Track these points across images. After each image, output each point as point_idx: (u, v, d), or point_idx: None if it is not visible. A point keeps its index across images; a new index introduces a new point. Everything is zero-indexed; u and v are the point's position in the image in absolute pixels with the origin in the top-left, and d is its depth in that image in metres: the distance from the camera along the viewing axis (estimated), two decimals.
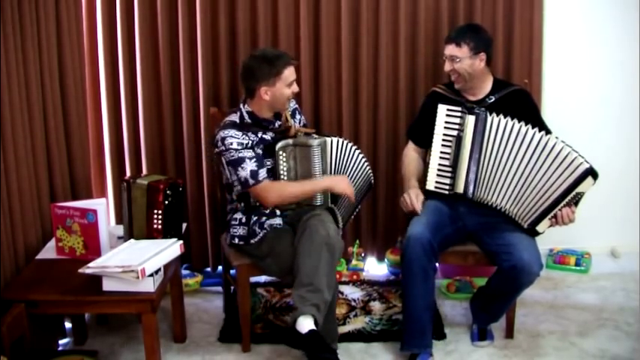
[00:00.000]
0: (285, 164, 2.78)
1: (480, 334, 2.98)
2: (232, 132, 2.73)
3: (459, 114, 2.83)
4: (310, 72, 3.39)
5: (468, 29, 2.95)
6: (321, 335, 2.49)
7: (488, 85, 2.94)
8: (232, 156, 2.71)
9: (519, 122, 2.74)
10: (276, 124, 2.85)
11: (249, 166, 2.71)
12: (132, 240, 2.71)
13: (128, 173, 3.42)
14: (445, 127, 2.86)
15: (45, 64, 2.81)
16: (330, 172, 2.85)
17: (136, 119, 3.37)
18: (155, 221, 2.76)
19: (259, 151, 2.77)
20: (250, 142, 2.74)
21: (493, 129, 2.77)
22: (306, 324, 2.48)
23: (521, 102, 2.92)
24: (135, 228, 2.80)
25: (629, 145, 3.68)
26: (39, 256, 2.73)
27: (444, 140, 2.87)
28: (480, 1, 3.37)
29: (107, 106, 3.36)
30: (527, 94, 3.02)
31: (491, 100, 2.89)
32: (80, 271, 2.43)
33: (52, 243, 2.79)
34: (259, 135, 2.79)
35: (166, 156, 3.42)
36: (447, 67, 2.91)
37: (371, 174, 3.06)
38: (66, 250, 2.73)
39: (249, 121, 2.80)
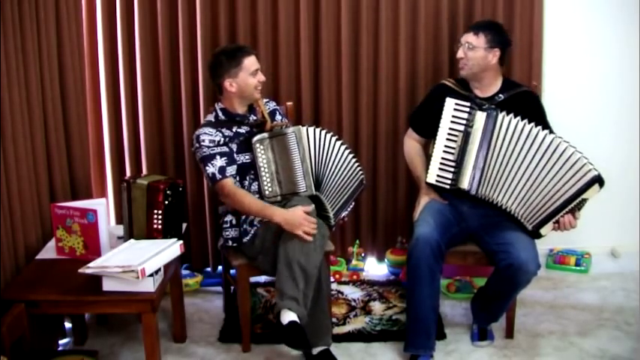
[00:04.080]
0: (263, 156, 2.82)
1: (480, 334, 2.98)
2: (206, 129, 2.81)
3: (467, 109, 2.82)
4: (310, 72, 3.39)
5: (490, 24, 2.98)
6: (302, 327, 2.54)
7: (497, 84, 2.95)
8: (204, 152, 2.78)
9: (529, 123, 2.73)
10: (251, 119, 2.90)
11: (219, 162, 2.78)
12: (132, 240, 2.71)
13: (128, 173, 3.42)
14: (452, 122, 2.84)
15: (45, 64, 2.81)
16: (311, 162, 2.85)
17: (136, 119, 3.38)
18: (155, 221, 2.76)
19: (234, 146, 2.82)
20: (223, 139, 2.80)
21: (503, 127, 2.76)
22: (287, 316, 2.55)
23: (529, 103, 2.91)
24: (135, 228, 2.81)
25: (629, 145, 3.68)
26: (39, 256, 2.73)
27: (449, 134, 2.85)
28: (480, 1, 3.37)
29: (107, 106, 3.36)
30: (536, 96, 3.02)
31: (501, 99, 2.89)
32: (80, 271, 2.43)
33: (52, 243, 2.79)
34: (234, 130, 2.85)
35: (166, 156, 3.43)
36: (460, 53, 2.92)
37: (359, 168, 2.94)
38: (66, 250, 2.73)
39: (223, 117, 2.87)
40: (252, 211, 2.76)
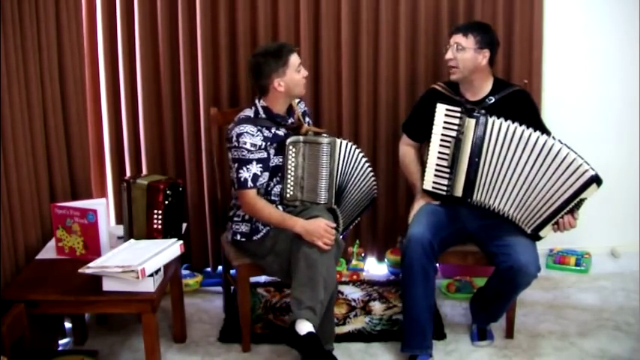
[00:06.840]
0: (293, 160, 2.80)
1: (480, 334, 2.98)
2: (248, 127, 2.74)
3: (458, 114, 2.81)
4: (310, 72, 3.38)
5: (478, 24, 2.97)
6: (319, 338, 2.52)
7: (488, 85, 2.93)
8: (243, 155, 2.72)
9: (521, 125, 2.71)
10: (289, 121, 2.87)
11: (254, 169, 2.73)
12: (132, 240, 2.71)
13: (128, 173, 3.42)
14: (444, 127, 2.84)
15: (45, 64, 2.81)
16: (336, 177, 2.85)
17: (136, 119, 3.37)
18: (155, 221, 2.76)
19: (272, 150, 2.79)
20: (263, 142, 2.75)
21: (494, 133, 2.74)
22: (304, 327, 2.52)
23: (521, 103, 2.90)
24: (135, 228, 2.81)
25: (629, 144, 3.68)
26: (39, 256, 2.73)
27: (442, 140, 2.85)
28: (480, 1, 3.37)
29: (107, 106, 3.36)
30: (528, 94, 3.00)
31: (492, 101, 2.88)
32: (80, 271, 2.43)
33: (52, 243, 2.79)
34: (273, 131, 2.80)
35: (166, 156, 3.42)
36: (449, 55, 2.90)
37: (375, 187, 3.02)
38: (66, 250, 2.73)
39: (263, 115, 2.81)
40: (272, 221, 2.74)
